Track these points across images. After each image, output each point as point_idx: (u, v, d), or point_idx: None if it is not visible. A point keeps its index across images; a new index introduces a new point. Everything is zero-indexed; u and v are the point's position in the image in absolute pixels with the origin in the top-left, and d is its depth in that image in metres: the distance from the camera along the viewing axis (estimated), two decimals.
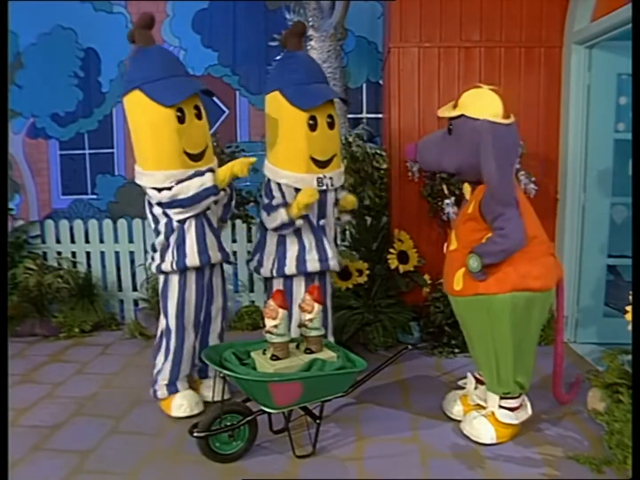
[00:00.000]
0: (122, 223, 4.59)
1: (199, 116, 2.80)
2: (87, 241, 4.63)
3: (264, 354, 2.51)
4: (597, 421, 2.61)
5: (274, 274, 3.07)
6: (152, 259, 2.90)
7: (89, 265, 4.63)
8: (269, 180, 3.03)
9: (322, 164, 2.94)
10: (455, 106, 2.53)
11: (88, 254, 4.64)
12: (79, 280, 4.43)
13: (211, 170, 2.75)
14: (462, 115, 2.47)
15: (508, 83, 3.89)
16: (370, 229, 3.93)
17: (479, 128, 2.41)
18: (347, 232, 4.16)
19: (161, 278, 2.89)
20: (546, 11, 3.82)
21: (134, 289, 4.64)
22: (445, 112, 2.55)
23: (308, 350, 2.55)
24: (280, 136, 2.93)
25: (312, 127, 2.85)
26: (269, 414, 2.52)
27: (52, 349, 4.01)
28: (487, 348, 2.58)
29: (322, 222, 3.08)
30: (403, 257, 3.84)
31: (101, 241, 4.62)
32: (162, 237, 2.82)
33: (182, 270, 2.79)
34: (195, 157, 2.76)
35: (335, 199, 3.13)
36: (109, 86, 4.96)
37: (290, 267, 3.03)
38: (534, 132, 3.91)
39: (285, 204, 2.92)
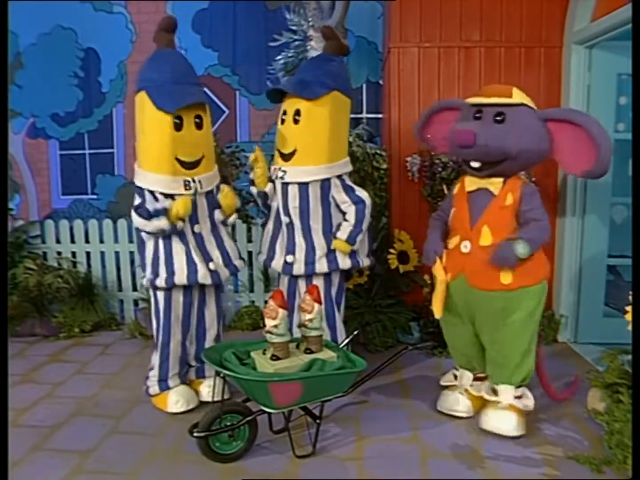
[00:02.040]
0: (122, 223, 4.59)
1: (199, 125, 2.82)
2: (87, 241, 4.63)
3: (264, 354, 2.51)
4: (597, 421, 2.61)
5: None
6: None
7: (89, 265, 4.63)
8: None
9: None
10: (505, 96, 2.67)
11: (88, 254, 4.64)
12: (79, 280, 4.43)
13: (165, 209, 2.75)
14: (522, 104, 2.62)
15: (508, 83, 3.83)
16: (370, 229, 3.93)
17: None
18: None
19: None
20: (546, 11, 3.82)
21: (134, 289, 4.64)
22: (501, 98, 2.66)
23: (308, 350, 2.55)
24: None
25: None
26: (269, 414, 2.52)
27: (52, 349, 4.01)
28: (522, 340, 2.65)
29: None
30: (403, 257, 3.84)
31: (101, 241, 4.62)
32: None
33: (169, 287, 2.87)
34: (189, 165, 2.80)
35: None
36: (109, 86, 4.96)
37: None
38: None
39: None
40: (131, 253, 4.59)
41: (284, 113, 3.05)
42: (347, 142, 3.27)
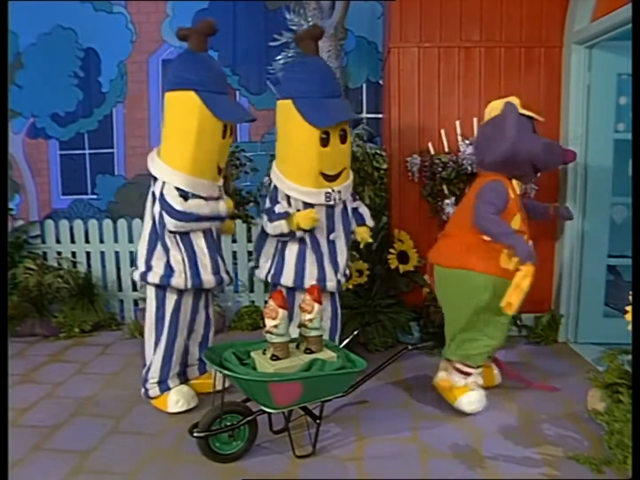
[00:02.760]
0: (122, 223, 4.59)
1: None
2: (87, 241, 4.63)
3: (264, 354, 2.51)
4: (597, 421, 2.61)
5: (269, 280, 3.08)
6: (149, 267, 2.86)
7: (89, 265, 4.63)
8: (275, 186, 3.01)
9: (331, 178, 2.92)
10: None
11: (88, 254, 4.64)
12: (79, 280, 4.43)
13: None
14: None
15: (508, 83, 3.89)
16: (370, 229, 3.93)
17: None
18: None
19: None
20: (546, 11, 3.82)
21: (134, 289, 4.64)
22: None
23: (308, 350, 2.54)
24: (291, 148, 2.91)
25: (324, 142, 2.82)
26: (269, 414, 2.52)
27: (52, 349, 4.01)
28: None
29: (332, 236, 3.05)
30: (403, 257, 3.84)
31: (101, 241, 4.62)
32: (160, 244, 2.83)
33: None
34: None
35: (345, 211, 3.09)
36: (109, 86, 4.96)
37: (287, 279, 3.01)
38: None
39: (287, 215, 2.87)
40: (131, 253, 4.60)
41: (325, 133, 2.83)
42: None
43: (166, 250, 2.79)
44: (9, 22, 4.57)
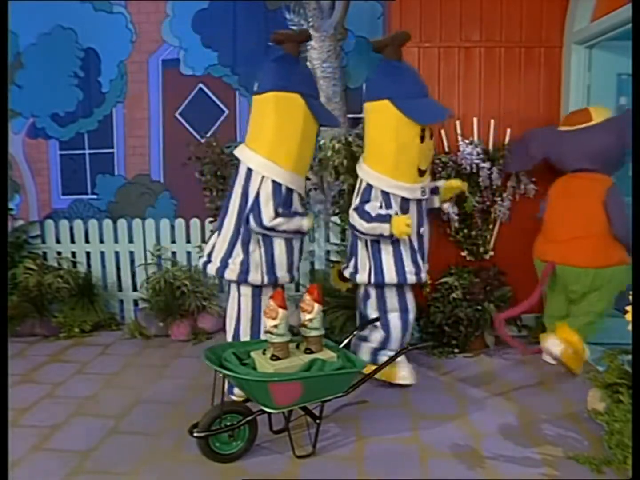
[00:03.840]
0: (122, 223, 4.59)
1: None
2: (87, 241, 4.63)
3: (263, 354, 2.51)
4: (597, 421, 2.61)
5: (372, 281, 3.12)
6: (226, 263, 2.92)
7: (89, 265, 4.63)
8: (368, 185, 3.09)
9: (422, 173, 3.10)
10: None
11: (88, 254, 4.64)
12: (79, 280, 4.43)
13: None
14: None
15: (508, 83, 3.89)
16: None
17: None
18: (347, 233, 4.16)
19: None
20: (546, 11, 3.83)
21: (134, 289, 4.64)
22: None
23: (308, 350, 2.55)
24: (390, 146, 3.01)
25: (422, 138, 2.99)
26: (269, 414, 2.52)
27: (52, 349, 4.01)
28: None
29: (421, 230, 3.19)
30: None
31: (101, 241, 4.62)
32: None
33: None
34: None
35: (426, 205, 3.26)
36: (109, 86, 4.95)
37: (390, 277, 3.08)
38: None
39: (390, 218, 2.96)
40: (131, 253, 4.60)
41: (423, 130, 3.02)
42: None
43: (245, 246, 2.88)
44: (9, 22, 4.57)
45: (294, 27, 4.35)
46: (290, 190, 2.89)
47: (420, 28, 3.87)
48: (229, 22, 4.84)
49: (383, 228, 2.96)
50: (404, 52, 3.84)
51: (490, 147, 3.82)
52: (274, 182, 2.81)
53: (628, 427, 2.31)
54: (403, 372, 3.16)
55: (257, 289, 2.92)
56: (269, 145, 2.87)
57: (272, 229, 2.81)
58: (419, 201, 3.14)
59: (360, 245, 3.18)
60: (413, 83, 3.04)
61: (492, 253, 3.93)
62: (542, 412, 2.90)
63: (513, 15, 3.83)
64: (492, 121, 3.85)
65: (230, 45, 4.87)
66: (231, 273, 2.88)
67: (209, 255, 2.99)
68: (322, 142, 4.03)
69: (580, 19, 3.65)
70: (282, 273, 2.93)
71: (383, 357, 3.11)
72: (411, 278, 3.09)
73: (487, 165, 3.69)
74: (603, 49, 3.64)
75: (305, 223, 2.93)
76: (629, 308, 2.27)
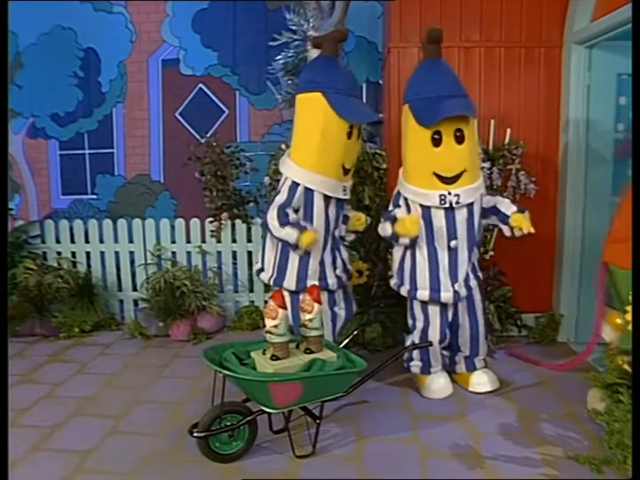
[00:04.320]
0: (122, 223, 4.59)
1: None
2: (87, 241, 4.63)
3: (263, 354, 2.51)
4: (597, 421, 2.61)
5: (409, 295, 3.04)
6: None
7: (88, 265, 4.63)
8: (398, 191, 3.06)
9: (449, 180, 2.82)
10: None
11: (88, 254, 4.64)
12: (79, 280, 4.43)
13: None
14: None
15: (508, 83, 3.89)
16: (370, 229, 3.92)
17: None
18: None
19: None
20: (546, 11, 3.82)
21: (134, 289, 4.64)
22: None
23: (308, 351, 2.54)
24: (407, 151, 2.96)
25: (437, 142, 2.78)
26: (269, 414, 2.52)
27: (52, 349, 4.01)
28: None
29: (452, 243, 2.91)
30: None
31: (101, 241, 4.62)
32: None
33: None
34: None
35: (471, 218, 2.92)
36: (109, 86, 4.96)
37: (404, 289, 3.04)
38: (534, 132, 3.91)
39: (395, 218, 2.91)
40: (131, 253, 4.60)
41: (437, 133, 2.80)
42: None
43: (275, 253, 3.01)
44: (9, 22, 4.57)
45: (293, 27, 4.36)
46: (310, 191, 2.87)
47: (420, 28, 3.86)
48: (229, 22, 4.85)
49: (385, 227, 2.92)
50: (404, 53, 3.88)
51: (490, 147, 3.82)
52: (292, 181, 2.85)
53: (628, 427, 2.31)
54: (479, 380, 3.13)
55: (294, 294, 3.00)
56: (293, 145, 2.94)
57: (278, 237, 2.87)
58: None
59: (394, 254, 3.12)
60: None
61: (492, 253, 3.93)
62: (542, 412, 2.89)
63: (513, 15, 3.83)
64: (492, 121, 3.85)
65: (230, 45, 4.88)
66: (265, 276, 3.08)
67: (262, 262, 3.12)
68: None
69: (580, 19, 3.65)
70: (311, 281, 2.95)
71: None
72: (424, 294, 2.97)
73: (487, 165, 3.69)
74: (603, 49, 3.64)
75: (294, 236, 2.77)
76: (629, 308, 2.27)
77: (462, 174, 2.83)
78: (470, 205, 2.89)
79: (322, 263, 3.02)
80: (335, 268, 3.09)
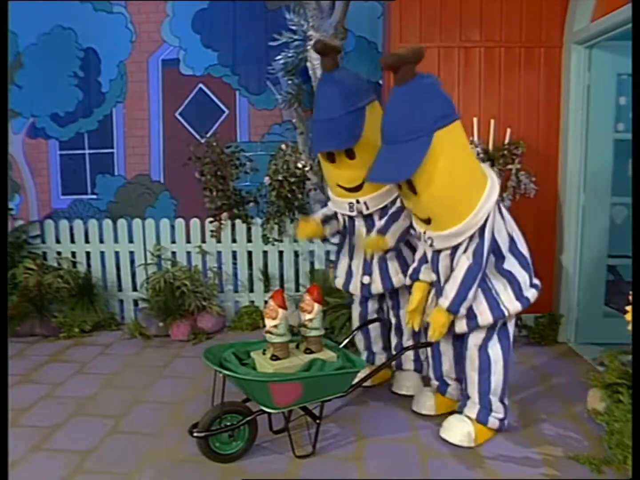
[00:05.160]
0: (122, 223, 4.59)
1: (351, 156, 2.78)
2: (87, 241, 4.63)
3: (263, 354, 2.51)
4: (597, 421, 2.61)
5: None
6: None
7: (88, 265, 4.63)
8: None
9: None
10: None
11: (88, 254, 4.64)
12: (79, 280, 4.43)
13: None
14: None
15: (508, 83, 3.89)
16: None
17: None
18: None
19: None
20: (546, 11, 3.83)
21: (134, 289, 4.64)
22: None
23: (308, 351, 2.55)
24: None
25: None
26: (269, 414, 2.52)
27: (52, 349, 4.01)
28: None
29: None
30: None
31: (101, 241, 4.62)
32: None
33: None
34: (351, 189, 2.85)
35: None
36: (109, 86, 4.95)
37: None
38: (534, 132, 3.91)
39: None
40: (131, 253, 4.60)
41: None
42: None
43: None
44: (9, 22, 4.57)
45: (294, 27, 4.35)
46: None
47: (420, 28, 3.86)
48: (229, 22, 4.84)
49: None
50: None
51: (490, 147, 3.82)
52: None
53: (628, 427, 2.31)
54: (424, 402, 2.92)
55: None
56: None
57: None
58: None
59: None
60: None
61: None
62: (542, 412, 2.89)
63: (513, 15, 3.83)
64: (492, 121, 3.85)
65: (230, 45, 4.87)
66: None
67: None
68: None
69: (580, 19, 3.65)
70: (353, 285, 3.10)
71: None
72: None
73: (487, 165, 3.69)
74: (603, 49, 3.64)
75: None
76: (629, 308, 2.27)
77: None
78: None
79: (349, 270, 3.09)
80: (363, 274, 3.03)
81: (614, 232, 3.88)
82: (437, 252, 2.55)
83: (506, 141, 3.84)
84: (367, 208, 2.89)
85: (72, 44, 4.92)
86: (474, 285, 2.41)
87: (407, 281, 2.82)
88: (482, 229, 2.38)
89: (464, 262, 2.41)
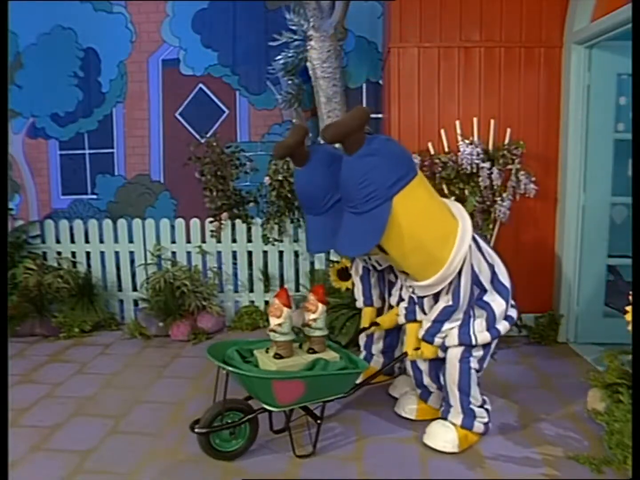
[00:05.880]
0: (122, 223, 4.59)
1: None
2: (87, 241, 4.63)
3: (267, 352, 2.51)
4: (597, 421, 2.61)
5: None
6: None
7: (88, 265, 4.63)
8: None
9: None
10: None
11: (88, 254, 4.64)
12: (79, 280, 4.43)
13: None
14: None
15: (508, 83, 3.90)
16: None
17: None
18: None
19: None
20: (546, 11, 3.83)
21: (134, 289, 4.64)
22: None
23: (311, 350, 2.55)
24: None
25: None
26: (270, 413, 2.52)
27: (52, 349, 4.01)
28: None
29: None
30: None
31: (101, 241, 4.62)
32: None
33: None
34: None
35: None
36: (109, 86, 4.96)
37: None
38: (534, 132, 3.91)
39: None
40: (131, 253, 4.60)
41: None
42: None
43: None
44: (9, 22, 4.57)
45: (294, 27, 4.35)
46: None
47: (420, 28, 3.87)
48: (229, 22, 4.85)
49: None
50: (404, 53, 3.88)
51: (490, 147, 3.82)
52: None
53: (628, 427, 2.31)
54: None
55: None
56: None
57: None
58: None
59: None
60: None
61: None
62: (542, 412, 2.89)
63: (513, 15, 3.83)
64: (492, 121, 3.85)
65: (230, 45, 4.88)
66: None
67: None
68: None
69: (580, 19, 3.65)
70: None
71: None
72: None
73: (487, 165, 3.69)
74: (603, 49, 3.64)
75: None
76: (629, 308, 2.27)
77: None
78: None
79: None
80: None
81: (614, 232, 3.88)
82: (421, 296, 2.58)
83: (506, 141, 3.84)
84: (380, 265, 3.00)
85: (72, 44, 4.92)
86: (449, 319, 2.48)
87: (402, 320, 2.75)
88: (460, 271, 2.38)
89: (443, 301, 2.48)
